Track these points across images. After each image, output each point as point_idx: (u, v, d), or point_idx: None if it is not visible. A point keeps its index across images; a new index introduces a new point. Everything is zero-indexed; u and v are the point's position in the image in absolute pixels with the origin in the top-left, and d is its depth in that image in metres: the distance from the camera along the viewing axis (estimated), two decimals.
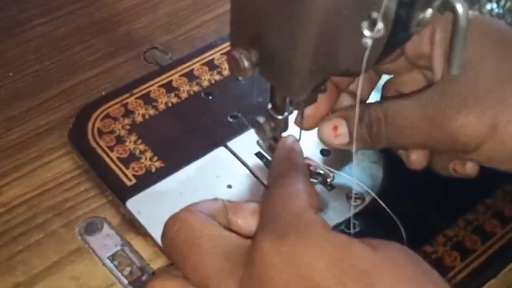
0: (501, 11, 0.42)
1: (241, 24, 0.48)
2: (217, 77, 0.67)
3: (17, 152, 0.61)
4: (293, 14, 0.44)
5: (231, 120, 0.63)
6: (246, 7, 0.47)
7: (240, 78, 0.48)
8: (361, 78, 0.43)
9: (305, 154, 0.57)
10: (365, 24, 0.41)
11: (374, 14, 0.41)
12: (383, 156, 0.60)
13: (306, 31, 0.43)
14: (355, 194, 0.57)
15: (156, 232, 0.55)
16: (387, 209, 0.52)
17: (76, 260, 0.54)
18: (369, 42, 0.42)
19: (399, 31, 0.44)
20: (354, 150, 0.48)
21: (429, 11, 0.44)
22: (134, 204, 0.57)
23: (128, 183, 0.58)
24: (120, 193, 0.58)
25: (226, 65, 0.68)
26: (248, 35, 0.48)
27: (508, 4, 0.41)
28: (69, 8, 0.75)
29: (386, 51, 0.44)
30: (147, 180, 0.59)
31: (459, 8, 0.40)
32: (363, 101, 0.58)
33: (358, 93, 0.44)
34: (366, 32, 0.41)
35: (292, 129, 0.57)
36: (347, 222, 0.56)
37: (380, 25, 0.40)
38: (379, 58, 0.44)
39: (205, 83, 0.67)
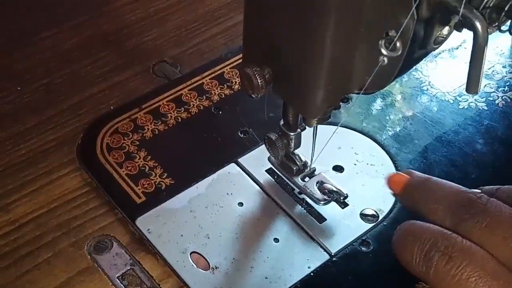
0: None
1: (255, 41, 0.48)
2: (227, 92, 0.66)
3: (25, 168, 0.61)
4: (308, 31, 0.43)
5: (241, 135, 0.62)
6: (260, 24, 0.47)
7: (253, 95, 0.48)
8: None
9: (318, 170, 0.57)
10: (382, 42, 0.40)
11: (392, 32, 0.40)
12: None
13: (322, 49, 0.43)
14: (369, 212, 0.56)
15: (166, 251, 0.54)
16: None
17: (85, 279, 0.53)
18: (386, 60, 0.41)
19: (417, 49, 0.43)
20: None
21: (446, 29, 0.44)
22: (144, 222, 0.56)
23: (138, 201, 0.58)
24: (130, 211, 0.57)
25: (236, 79, 0.67)
26: (261, 52, 0.47)
27: None
28: (77, 20, 0.74)
29: (403, 68, 0.43)
30: (157, 197, 0.58)
31: (479, 26, 0.39)
32: None
33: None
34: (384, 51, 0.40)
35: (304, 146, 0.56)
36: (360, 241, 0.55)
37: (398, 44, 0.39)
38: (396, 75, 0.43)
39: (215, 98, 0.66)
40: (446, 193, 0.48)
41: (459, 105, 0.65)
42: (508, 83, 0.66)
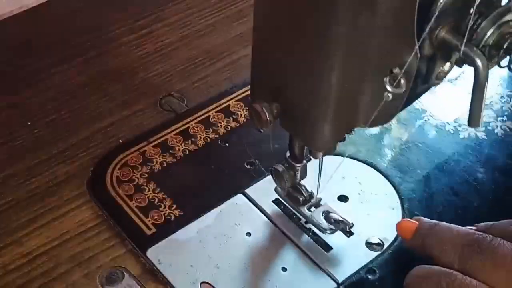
0: None
1: (262, 78, 0.49)
2: (233, 124, 0.68)
3: (37, 202, 0.62)
4: (316, 70, 0.45)
5: (248, 167, 0.64)
6: (267, 61, 0.48)
7: (262, 130, 0.49)
8: None
9: (324, 200, 0.59)
10: (387, 79, 0.42)
11: (396, 70, 0.41)
12: (401, 203, 0.60)
13: (329, 87, 0.44)
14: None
15: (177, 281, 0.55)
16: None
17: None
18: (390, 96, 0.43)
19: (419, 85, 0.45)
20: None
21: (447, 65, 0.45)
22: (155, 253, 0.57)
23: (148, 232, 0.59)
24: (140, 242, 0.58)
25: (241, 112, 0.69)
26: (269, 89, 0.49)
27: None
28: (85, 56, 0.76)
29: (406, 103, 0.45)
30: (166, 228, 0.59)
31: (479, 63, 0.41)
32: None
33: None
34: (389, 88, 0.41)
35: (310, 177, 0.57)
36: (367, 269, 0.56)
37: (402, 81, 0.41)
38: (400, 109, 0.45)
39: (221, 130, 0.67)
40: (454, 236, 0.51)
41: (459, 134, 0.67)
42: (506, 113, 0.68)
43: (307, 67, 0.45)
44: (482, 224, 0.53)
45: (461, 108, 0.69)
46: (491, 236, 0.50)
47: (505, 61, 0.44)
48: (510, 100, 0.70)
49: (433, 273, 0.50)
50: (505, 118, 0.68)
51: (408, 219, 0.56)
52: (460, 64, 0.44)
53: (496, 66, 0.45)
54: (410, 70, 0.41)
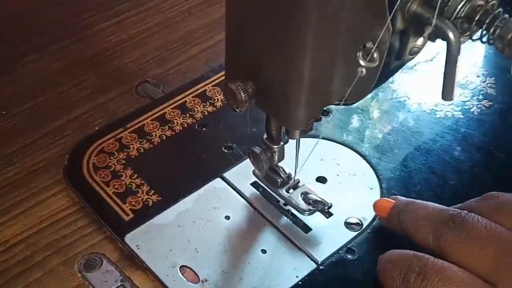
0: (490, 37, 0.43)
1: (237, 57, 0.49)
2: (210, 109, 0.68)
3: (13, 190, 0.61)
4: (288, 47, 0.45)
5: (226, 151, 0.64)
6: (242, 40, 0.48)
7: (237, 110, 0.49)
8: None
9: (302, 182, 0.59)
10: (360, 54, 0.42)
11: (369, 44, 0.41)
12: (379, 183, 0.61)
13: (302, 63, 0.44)
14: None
15: (156, 266, 0.55)
16: None
17: None
18: (364, 71, 0.42)
19: (393, 60, 0.45)
20: None
21: (420, 39, 0.45)
22: (133, 239, 0.57)
23: (126, 218, 0.58)
24: (118, 228, 0.58)
25: (218, 97, 0.68)
26: (244, 68, 0.49)
27: (498, 31, 0.42)
28: (59, 44, 0.75)
29: (380, 79, 0.45)
30: (144, 214, 0.59)
31: (451, 36, 0.41)
32: None
33: None
34: (362, 62, 0.41)
35: (288, 158, 0.57)
36: (346, 249, 0.56)
37: (375, 55, 0.41)
38: (374, 86, 0.45)
39: (198, 115, 0.67)
40: (428, 212, 0.51)
41: (436, 114, 0.67)
42: (482, 92, 0.69)
43: (279, 46, 0.45)
44: (455, 206, 0.54)
45: (436, 89, 0.69)
46: (465, 211, 0.50)
47: (477, 36, 0.44)
48: (486, 79, 0.70)
49: (404, 257, 0.50)
50: (481, 97, 0.68)
51: (385, 198, 0.56)
52: (433, 39, 0.44)
53: (470, 41, 0.45)
54: (383, 44, 0.41)
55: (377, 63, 0.41)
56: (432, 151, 0.63)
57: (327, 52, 0.44)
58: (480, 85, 0.69)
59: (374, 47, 0.41)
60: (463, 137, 0.65)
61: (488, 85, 0.69)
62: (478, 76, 0.70)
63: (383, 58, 0.42)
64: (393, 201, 0.55)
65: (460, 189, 0.60)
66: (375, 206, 0.56)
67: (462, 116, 0.66)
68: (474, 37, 0.43)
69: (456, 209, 0.51)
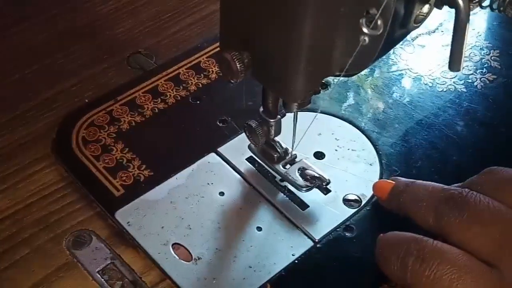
0: (501, 4, 0.40)
1: (232, 26, 0.47)
2: (205, 81, 0.65)
3: (0, 164, 0.59)
4: (287, 14, 0.42)
5: (220, 125, 0.62)
6: (237, 9, 0.46)
7: (232, 81, 0.47)
8: None
9: (299, 157, 0.57)
10: (363, 21, 0.39)
11: (373, 11, 0.39)
12: (379, 159, 0.59)
13: (301, 31, 0.42)
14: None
15: (147, 244, 0.53)
16: None
17: (65, 275, 0.52)
18: (367, 39, 0.40)
19: (397, 29, 0.43)
20: None
21: (426, 7, 0.43)
22: (123, 215, 0.55)
23: (116, 194, 0.56)
24: (108, 204, 0.56)
25: (213, 68, 0.66)
26: (239, 37, 0.46)
27: None
28: (47, 14, 0.72)
29: (384, 48, 0.43)
30: (136, 189, 0.57)
31: (460, 2, 0.39)
32: None
33: None
34: (365, 30, 0.39)
35: (285, 133, 0.55)
36: (344, 226, 0.54)
37: (379, 22, 0.39)
38: (377, 56, 0.43)
39: (192, 88, 0.65)
40: (429, 192, 0.49)
41: (438, 88, 0.65)
42: (485, 65, 0.66)
43: (277, 12, 0.43)
44: (456, 185, 0.52)
45: (439, 61, 0.67)
46: (467, 190, 0.48)
47: (487, 2, 0.42)
48: (490, 52, 0.68)
49: (403, 239, 0.48)
50: (484, 70, 0.66)
51: (384, 179, 0.55)
52: (440, 6, 0.42)
53: (472, 12, 0.43)
54: (387, 11, 0.39)
55: (381, 31, 0.39)
56: (433, 126, 0.61)
57: (328, 19, 0.42)
58: (484, 58, 0.67)
59: (378, 14, 0.38)
60: (466, 111, 0.63)
61: (492, 58, 0.67)
62: (481, 49, 0.68)
63: (387, 25, 0.39)
64: (393, 182, 0.53)
65: (463, 165, 0.58)
66: (374, 187, 0.54)
67: (465, 90, 0.64)
68: (484, 3, 0.41)
69: (458, 188, 0.49)
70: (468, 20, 0.39)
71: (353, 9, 0.41)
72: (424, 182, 0.51)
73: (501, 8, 0.39)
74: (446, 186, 0.50)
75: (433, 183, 0.51)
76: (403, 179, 0.53)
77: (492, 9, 0.40)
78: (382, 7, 0.38)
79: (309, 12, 0.41)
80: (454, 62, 0.40)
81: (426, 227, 0.49)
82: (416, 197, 0.50)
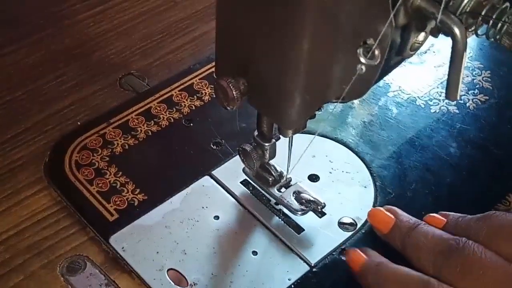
0: (497, 34, 0.41)
1: (228, 53, 0.47)
2: (197, 103, 0.65)
3: None
4: (283, 42, 0.42)
5: (214, 147, 0.61)
6: (233, 36, 0.46)
7: (228, 108, 0.47)
8: None
9: (294, 180, 0.56)
10: (360, 51, 0.39)
11: (370, 41, 0.39)
12: (373, 181, 0.59)
13: (298, 59, 0.42)
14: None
15: (142, 269, 0.53)
16: None
17: None
18: (364, 68, 0.40)
19: (393, 56, 0.43)
20: None
21: (422, 35, 0.43)
22: (118, 241, 0.54)
23: (110, 218, 0.56)
24: (102, 229, 0.55)
25: (206, 90, 0.66)
26: (235, 64, 0.46)
27: (506, 27, 0.40)
28: (38, 35, 0.72)
29: (380, 76, 0.43)
30: (130, 214, 0.56)
31: (457, 31, 0.39)
32: None
33: None
34: (363, 60, 0.39)
35: (280, 156, 0.55)
36: (340, 250, 0.54)
37: (376, 52, 0.39)
38: (373, 83, 0.43)
39: (185, 110, 0.64)
40: (429, 242, 0.50)
41: (431, 109, 0.65)
42: (477, 86, 0.67)
43: (275, 40, 0.43)
44: (453, 215, 0.53)
45: (431, 82, 0.67)
46: (464, 240, 0.49)
47: (482, 31, 0.42)
48: (481, 73, 0.68)
49: (410, 280, 0.48)
50: (476, 91, 0.66)
51: (383, 210, 0.54)
52: (435, 34, 0.42)
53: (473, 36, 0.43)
54: (384, 41, 0.39)
55: (378, 61, 0.39)
56: (427, 148, 0.62)
57: (325, 48, 0.42)
58: (475, 79, 0.68)
59: (376, 44, 0.39)
60: (459, 132, 0.63)
61: (484, 78, 0.68)
62: (473, 70, 0.68)
63: (384, 55, 0.40)
64: (392, 216, 0.53)
65: (457, 187, 0.59)
66: (372, 217, 0.54)
67: (457, 111, 0.65)
68: (480, 32, 0.41)
69: (455, 238, 0.49)
70: (465, 49, 0.39)
71: (349, 38, 0.41)
72: (425, 228, 0.51)
73: (497, 37, 0.40)
74: (444, 235, 0.50)
75: (433, 229, 0.51)
76: (404, 215, 0.53)
77: (488, 38, 0.40)
78: (380, 37, 0.38)
79: (306, 41, 0.41)
80: (451, 91, 0.40)
81: (426, 273, 0.49)
82: (417, 246, 0.50)
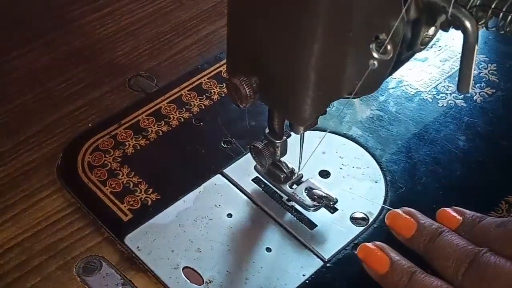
0: (507, 27, 0.41)
1: (240, 51, 0.47)
2: (207, 102, 0.65)
3: (5, 192, 0.59)
4: (295, 38, 0.43)
5: (225, 146, 0.62)
6: (245, 34, 0.46)
7: (241, 106, 0.47)
8: None
9: (305, 176, 0.57)
10: (373, 46, 0.40)
11: (382, 36, 0.40)
12: (384, 176, 0.59)
13: (310, 56, 0.42)
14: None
15: (158, 268, 0.53)
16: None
17: None
18: (376, 63, 0.41)
19: (405, 51, 0.43)
20: None
21: (432, 29, 0.44)
22: (133, 240, 0.55)
23: (125, 218, 0.56)
24: (117, 229, 0.56)
25: (215, 89, 0.66)
26: (247, 62, 0.47)
27: None
28: (46, 38, 0.72)
29: (391, 71, 0.43)
30: (144, 213, 0.57)
31: (468, 25, 0.39)
32: None
33: None
34: (375, 55, 0.40)
35: (291, 153, 0.56)
36: (353, 245, 0.55)
37: (388, 47, 0.39)
38: (385, 78, 0.43)
39: (195, 109, 0.65)
40: (453, 252, 0.50)
41: (438, 103, 0.65)
42: (484, 79, 0.67)
43: (287, 37, 0.43)
44: (468, 213, 0.53)
45: (438, 76, 0.68)
46: (484, 250, 0.49)
47: (492, 23, 0.42)
48: (488, 66, 0.69)
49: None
50: (483, 84, 0.67)
51: (403, 215, 0.54)
52: (446, 28, 0.42)
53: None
54: (396, 35, 0.40)
55: (390, 56, 0.40)
56: (435, 141, 0.62)
57: (337, 43, 0.42)
58: (482, 72, 0.68)
59: (388, 39, 0.39)
60: (467, 126, 0.63)
61: (490, 72, 0.68)
62: (479, 64, 0.69)
63: (396, 50, 0.40)
64: (414, 221, 0.53)
65: (466, 180, 0.59)
66: (392, 221, 0.54)
67: (465, 105, 0.65)
68: (490, 25, 0.42)
69: (476, 249, 0.50)
70: (476, 42, 0.39)
71: (362, 34, 0.41)
72: (449, 236, 0.51)
73: (507, 29, 0.40)
74: (469, 245, 0.50)
75: (458, 238, 0.51)
76: (426, 222, 0.53)
77: (498, 31, 0.41)
78: (392, 32, 0.39)
79: (318, 36, 0.42)
80: (463, 84, 0.41)
81: (449, 281, 0.49)
82: (441, 254, 0.51)
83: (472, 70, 0.40)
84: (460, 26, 0.40)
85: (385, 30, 0.40)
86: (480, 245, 0.50)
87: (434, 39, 0.69)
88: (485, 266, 0.48)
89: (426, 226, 0.52)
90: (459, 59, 0.41)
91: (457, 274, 0.49)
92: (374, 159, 0.61)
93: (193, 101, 0.65)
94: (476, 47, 0.39)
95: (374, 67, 0.41)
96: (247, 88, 0.46)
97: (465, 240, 0.51)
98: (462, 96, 0.66)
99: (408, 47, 0.43)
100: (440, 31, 0.44)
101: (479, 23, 0.41)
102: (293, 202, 0.57)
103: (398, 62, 0.44)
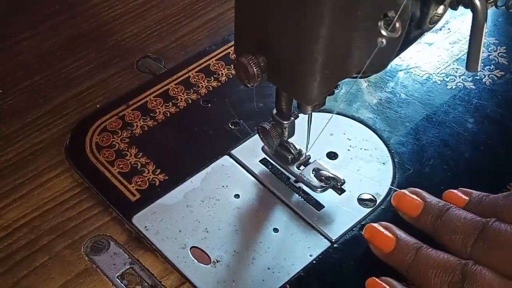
0: None
1: (247, 30, 0.47)
2: (215, 84, 0.65)
3: (14, 172, 0.59)
4: (303, 17, 0.42)
5: (232, 127, 0.62)
6: (252, 13, 0.46)
7: (249, 85, 0.47)
8: None
9: (313, 158, 0.57)
10: (381, 23, 0.40)
11: (391, 13, 0.39)
12: (392, 157, 0.59)
13: (318, 33, 0.42)
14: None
15: (166, 248, 0.53)
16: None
17: (84, 281, 0.52)
18: (384, 41, 0.41)
19: (413, 30, 0.43)
20: None
21: (441, 8, 0.43)
22: (141, 220, 0.55)
23: (132, 198, 0.57)
24: (125, 209, 0.56)
25: (222, 71, 0.66)
26: (255, 41, 0.46)
27: None
28: (54, 20, 0.72)
29: (400, 50, 0.43)
30: (151, 194, 0.57)
31: (478, 2, 0.39)
32: None
33: None
34: (384, 32, 0.39)
35: (299, 134, 0.55)
36: (360, 226, 0.55)
37: (397, 25, 0.39)
38: (394, 57, 0.43)
39: (203, 91, 0.65)
40: (461, 224, 0.50)
41: (447, 85, 0.65)
42: (493, 61, 0.67)
43: (295, 15, 0.43)
44: (475, 193, 0.53)
45: (446, 59, 0.68)
46: (492, 220, 0.49)
47: (502, 1, 0.42)
48: (497, 49, 0.68)
49: (447, 264, 0.48)
50: (492, 67, 0.67)
51: (408, 194, 0.53)
52: (455, 7, 0.42)
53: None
54: (405, 13, 0.39)
55: (399, 33, 0.39)
56: (444, 124, 0.62)
57: (345, 22, 0.42)
58: (491, 55, 0.68)
59: (397, 16, 0.39)
60: (476, 108, 0.63)
61: (499, 54, 0.68)
62: (489, 46, 0.68)
63: (405, 27, 0.40)
64: (420, 200, 0.52)
65: (474, 162, 0.59)
66: (398, 201, 0.53)
67: (474, 87, 0.65)
68: (499, 3, 0.41)
69: (487, 220, 0.49)
70: (485, 20, 0.39)
71: (370, 11, 0.41)
72: (456, 211, 0.51)
73: None
74: (477, 217, 0.50)
75: (465, 212, 0.51)
76: (432, 200, 0.52)
77: (507, 9, 0.40)
78: (401, 9, 0.39)
79: (326, 15, 0.42)
80: (472, 62, 0.41)
81: (459, 255, 0.49)
82: (450, 229, 0.50)
83: (481, 48, 0.40)
84: (469, 4, 0.39)
85: (393, 8, 0.39)
86: (488, 218, 0.49)
87: (443, 21, 0.70)
88: (495, 234, 0.48)
89: (432, 204, 0.52)
90: (468, 41, 0.41)
91: (465, 246, 0.49)
92: (382, 141, 0.61)
93: (201, 83, 0.65)
94: (485, 26, 0.39)
95: (383, 45, 0.41)
96: (254, 67, 0.46)
97: (472, 213, 0.51)
98: (471, 78, 0.65)
99: (416, 26, 0.43)
100: (450, 11, 0.44)
101: (488, 1, 0.41)
102: (301, 183, 0.57)
103: (407, 41, 0.44)
